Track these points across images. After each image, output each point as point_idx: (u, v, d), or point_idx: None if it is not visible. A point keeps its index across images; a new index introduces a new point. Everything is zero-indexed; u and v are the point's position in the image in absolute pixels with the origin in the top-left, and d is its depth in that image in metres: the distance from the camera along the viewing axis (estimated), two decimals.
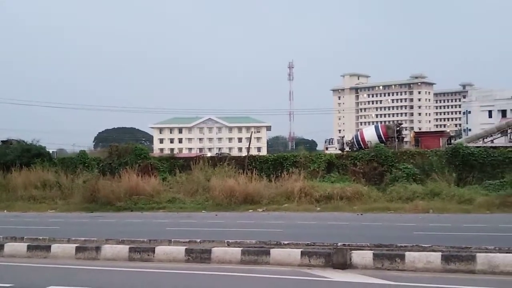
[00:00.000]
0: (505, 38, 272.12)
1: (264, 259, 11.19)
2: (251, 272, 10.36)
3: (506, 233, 15.17)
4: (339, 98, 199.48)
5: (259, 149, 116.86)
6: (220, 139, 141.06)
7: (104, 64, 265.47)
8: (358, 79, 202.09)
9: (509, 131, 72.34)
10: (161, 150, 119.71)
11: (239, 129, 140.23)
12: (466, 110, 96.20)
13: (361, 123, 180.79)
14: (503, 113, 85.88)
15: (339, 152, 51.23)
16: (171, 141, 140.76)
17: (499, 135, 71.66)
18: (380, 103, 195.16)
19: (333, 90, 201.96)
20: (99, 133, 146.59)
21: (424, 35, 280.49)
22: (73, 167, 33.44)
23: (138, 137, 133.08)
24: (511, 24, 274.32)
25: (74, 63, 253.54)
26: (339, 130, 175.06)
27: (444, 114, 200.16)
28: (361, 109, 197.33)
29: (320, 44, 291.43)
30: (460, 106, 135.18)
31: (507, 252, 10.07)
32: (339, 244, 11.73)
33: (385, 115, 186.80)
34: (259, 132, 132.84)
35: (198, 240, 12.88)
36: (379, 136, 55.76)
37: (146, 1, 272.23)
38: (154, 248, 12.20)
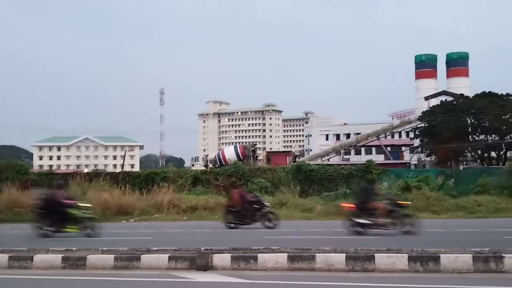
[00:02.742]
0: (340, 73, 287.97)
1: (135, 264, 10.89)
2: (122, 276, 10.07)
3: (339, 236, 15.84)
4: (204, 121, 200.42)
5: (132, 165, 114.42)
6: (96, 156, 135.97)
7: None
8: (220, 105, 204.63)
9: (342, 151, 76.50)
10: (41, 166, 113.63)
11: (114, 147, 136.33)
12: (308, 134, 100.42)
13: (222, 143, 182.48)
14: (337, 136, 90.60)
15: (204, 168, 51.42)
16: (50, 158, 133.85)
17: (334, 154, 75.66)
18: (239, 126, 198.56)
19: (199, 115, 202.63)
20: None
21: (275, 70, 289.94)
22: None
23: (19, 155, 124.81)
24: (345, 60, 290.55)
25: None
26: (204, 149, 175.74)
27: (291, 136, 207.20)
28: (222, 131, 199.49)
29: (189, 75, 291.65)
30: (303, 130, 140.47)
31: (341, 252, 10.50)
32: (202, 248, 11.65)
33: (242, 137, 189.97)
34: (133, 150, 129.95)
35: (74, 249, 12.26)
36: (237, 155, 56.75)
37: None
38: (33, 256, 11.46)
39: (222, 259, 10.60)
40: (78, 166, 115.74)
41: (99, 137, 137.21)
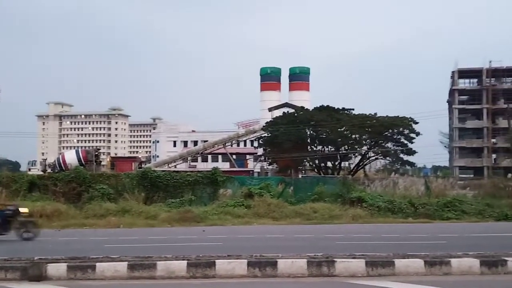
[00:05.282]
0: (190, 81, 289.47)
1: None
2: None
3: (182, 243, 15.87)
4: (44, 123, 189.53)
5: None
6: None
7: None
8: (62, 107, 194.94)
9: (189, 158, 76.88)
10: None
11: None
12: (155, 140, 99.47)
13: (63, 147, 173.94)
14: (185, 143, 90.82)
15: (42, 173, 48.60)
16: None
17: (181, 161, 75.82)
18: (82, 130, 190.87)
19: (38, 116, 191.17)
20: None
21: (122, 74, 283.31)
22: None
23: None
24: (196, 69, 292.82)
25: None
26: (43, 153, 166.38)
27: (138, 142, 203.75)
28: (64, 134, 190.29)
29: (29, 75, 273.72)
30: (151, 136, 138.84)
31: (182, 260, 10.51)
32: (35, 258, 11.00)
33: (86, 141, 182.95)
34: None
35: None
36: (79, 160, 54.50)
37: None
38: None
39: (57, 268, 10.10)
40: None
41: None
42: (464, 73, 76.68)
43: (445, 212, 25.91)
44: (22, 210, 18.31)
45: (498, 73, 74.26)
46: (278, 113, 71.36)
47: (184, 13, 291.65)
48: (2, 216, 17.59)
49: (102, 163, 67.04)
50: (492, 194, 32.13)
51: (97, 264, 10.22)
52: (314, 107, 65.33)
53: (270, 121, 65.90)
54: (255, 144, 76.60)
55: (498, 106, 70.89)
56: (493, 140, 72.17)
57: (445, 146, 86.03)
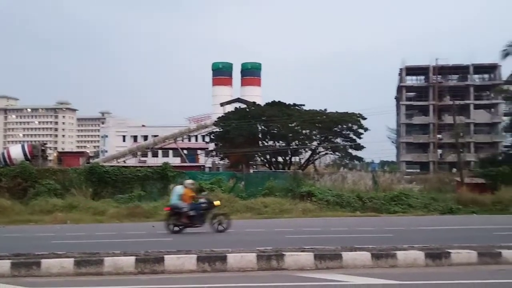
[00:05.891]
0: (141, 75, 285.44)
1: None
2: None
3: (131, 239, 15.66)
4: None
5: None
6: None
7: None
8: (8, 101, 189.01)
9: (139, 153, 75.92)
10: None
11: None
12: (104, 135, 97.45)
13: (9, 142, 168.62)
14: (135, 138, 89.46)
15: None
16: None
17: (131, 156, 74.73)
18: (28, 124, 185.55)
19: None
20: None
21: (70, 67, 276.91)
22: None
23: None
24: (148, 63, 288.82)
25: None
26: None
27: (86, 137, 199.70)
28: (9, 129, 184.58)
29: None
30: (99, 130, 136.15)
31: (130, 255, 10.37)
32: None
33: (32, 135, 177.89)
34: None
35: None
36: (25, 154, 52.96)
37: None
38: None
39: (0, 266, 9.81)
40: None
41: None
42: (411, 70, 78.43)
43: (392, 206, 26.52)
44: (215, 203, 18.35)
45: (444, 70, 76.31)
46: (230, 108, 71.25)
47: (136, 7, 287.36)
48: (198, 209, 17.73)
49: (49, 158, 65.44)
50: (437, 188, 33.15)
51: (43, 260, 9.97)
52: (266, 103, 65.59)
53: (222, 116, 65.76)
54: (207, 139, 76.25)
55: (444, 102, 72.75)
56: (439, 135, 74.18)
57: (392, 142, 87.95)
